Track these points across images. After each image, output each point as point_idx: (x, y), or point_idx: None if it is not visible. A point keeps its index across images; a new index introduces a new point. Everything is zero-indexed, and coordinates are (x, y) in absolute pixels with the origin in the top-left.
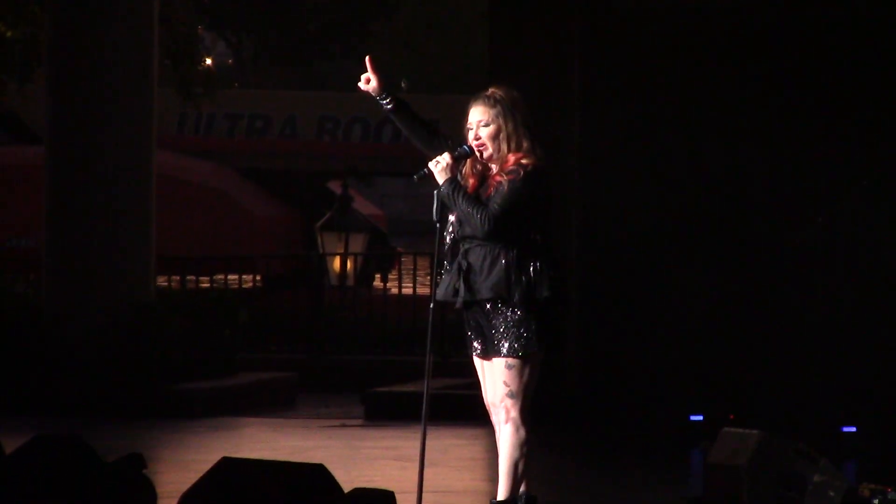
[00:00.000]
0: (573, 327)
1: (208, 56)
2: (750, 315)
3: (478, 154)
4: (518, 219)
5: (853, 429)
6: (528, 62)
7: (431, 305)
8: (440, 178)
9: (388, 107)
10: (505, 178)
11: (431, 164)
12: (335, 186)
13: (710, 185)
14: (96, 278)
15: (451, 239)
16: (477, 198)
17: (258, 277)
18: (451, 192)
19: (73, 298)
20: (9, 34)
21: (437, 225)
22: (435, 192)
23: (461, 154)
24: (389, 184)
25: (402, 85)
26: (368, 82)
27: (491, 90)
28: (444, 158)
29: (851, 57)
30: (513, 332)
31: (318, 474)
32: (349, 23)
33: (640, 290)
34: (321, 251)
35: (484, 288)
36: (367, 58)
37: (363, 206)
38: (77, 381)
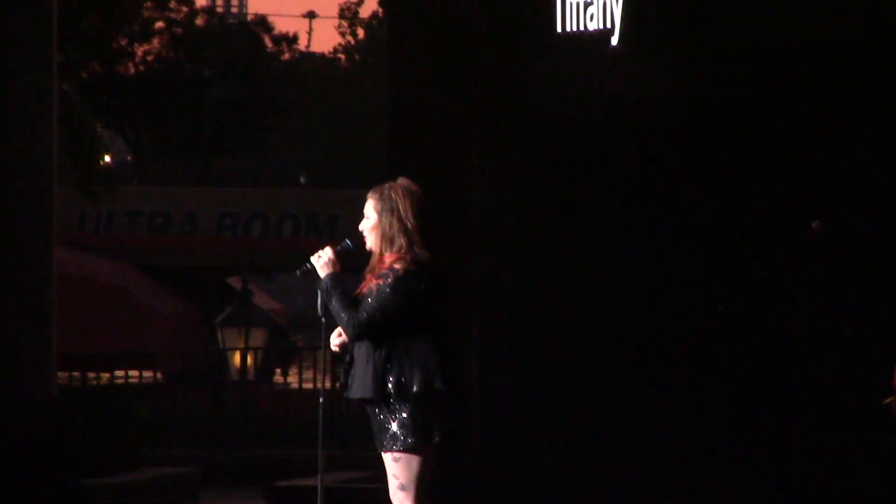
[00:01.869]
0: (476, 414)
1: (107, 153)
2: (651, 406)
3: (364, 245)
4: (386, 321)
5: None
6: (428, 155)
7: (321, 399)
8: (321, 272)
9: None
10: (374, 282)
11: (314, 259)
12: (235, 282)
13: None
14: None
15: None
16: (350, 298)
17: (159, 373)
18: (328, 289)
19: None
20: None
21: (323, 320)
22: (317, 287)
23: (343, 248)
24: (288, 279)
25: (301, 180)
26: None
27: (390, 182)
28: (326, 252)
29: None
30: (392, 427)
31: None
32: (248, 119)
33: (545, 378)
34: (221, 346)
35: (361, 387)
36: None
37: (263, 300)
38: None
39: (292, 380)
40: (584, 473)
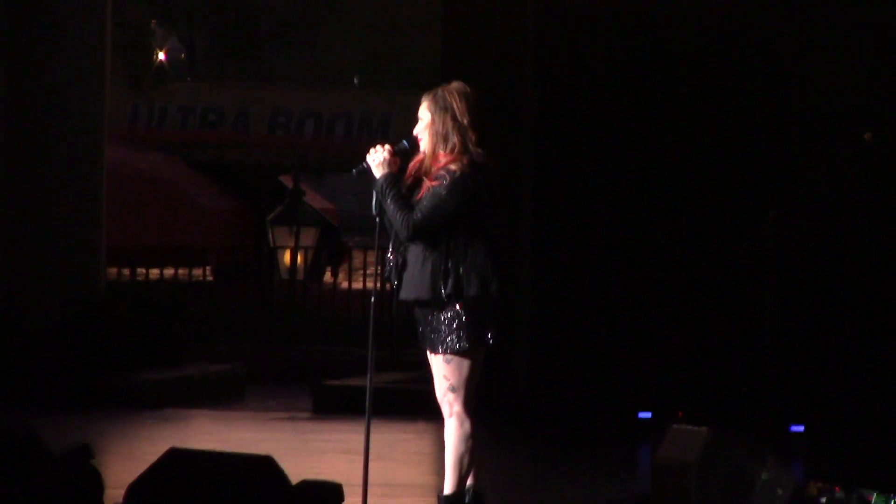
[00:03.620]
0: (524, 322)
1: (161, 50)
2: (699, 314)
3: (419, 148)
4: (442, 224)
5: (801, 428)
6: (480, 59)
7: (373, 299)
8: (377, 172)
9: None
10: (431, 184)
11: (369, 157)
12: (286, 180)
13: (659, 191)
14: (46, 270)
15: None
16: (406, 199)
17: (208, 270)
18: (383, 189)
19: (22, 289)
20: None
21: (377, 219)
22: (372, 186)
23: (401, 149)
24: (340, 180)
25: (355, 81)
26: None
27: (451, 85)
28: (383, 152)
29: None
30: (445, 330)
31: (266, 466)
32: (301, 19)
33: (590, 288)
34: (272, 244)
35: (415, 289)
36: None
37: (314, 200)
38: (25, 372)
39: (342, 280)
40: (631, 382)
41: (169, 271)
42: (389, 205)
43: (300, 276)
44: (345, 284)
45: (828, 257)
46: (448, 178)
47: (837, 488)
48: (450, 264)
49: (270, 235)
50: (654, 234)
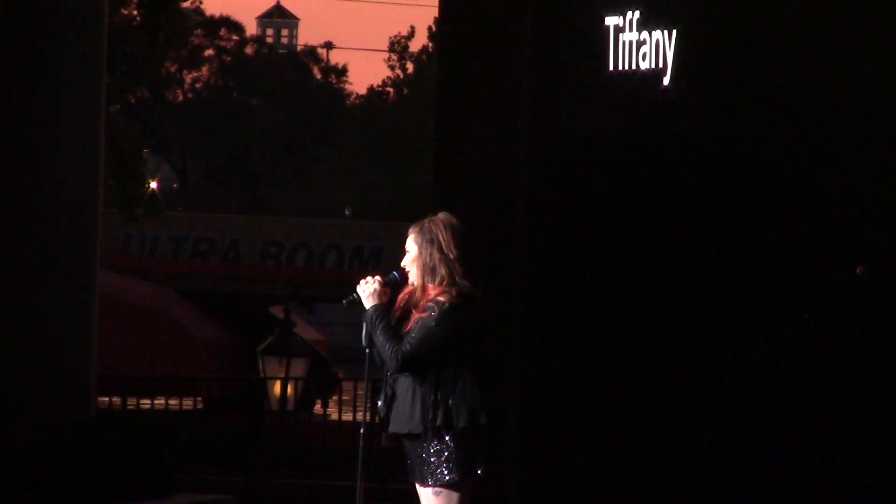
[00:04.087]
0: (512, 455)
1: (153, 179)
2: (690, 446)
3: (407, 279)
4: (430, 355)
5: None
6: (473, 191)
7: (361, 430)
8: (367, 303)
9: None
10: (419, 316)
11: (360, 288)
12: (277, 311)
13: (649, 280)
14: (34, 394)
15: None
16: (395, 331)
17: (199, 399)
18: (372, 320)
19: (9, 414)
20: None
21: (367, 350)
22: (362, 317)
23: (391, 280)
24: (331, 310)
25: (347, 212)
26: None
27: (430, 217)
28: (373, 283)
29: None
30: (434, 462)
31: None
32: (295, 149)
33: (581, 416)
34: (262, 375)
35: (405, 421)
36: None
37: (305, 331)
38: (10, 498)
39: (332, 411)
40: (626, 495)
41: (159, 400)
42: (379, 336)
43: (290, 406)
44: (335, 416)
45: (819, 387)
46: (437, 310)
47: None
48: (439, 396)
49: (261, 365)
50: (645, 367)
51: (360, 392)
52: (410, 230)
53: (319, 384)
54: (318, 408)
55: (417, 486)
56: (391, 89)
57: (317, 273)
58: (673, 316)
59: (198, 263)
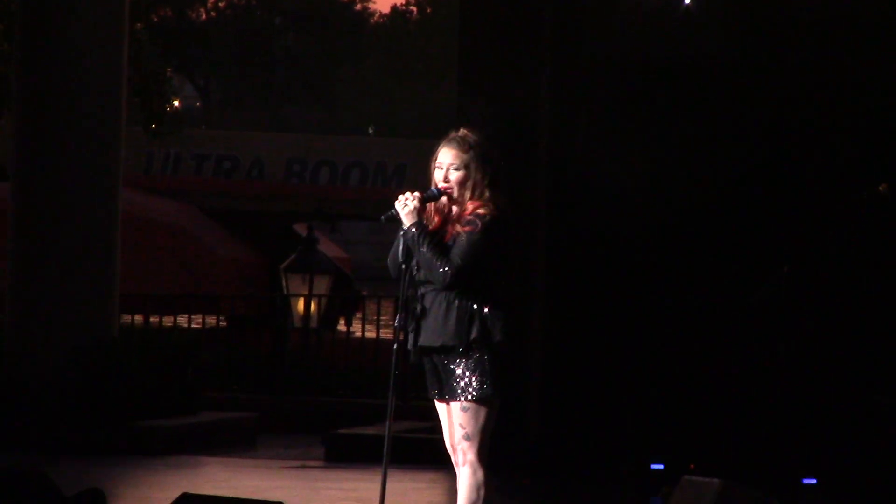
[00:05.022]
0: (536, 372)
1: (176, 99)
2: (713, 365)
3: (444, 197)
4: (475, 268)
5: (813, 480)
6: (496, 106)
7: (395, 346)
8: (406, 220)
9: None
10: (463, 229)
11: (398, 206)
12: (301, 228)
13: (670, 235)
14: (59, 315)
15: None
16: (442, 246)
17: (222, 317)
18: (416, 237)
19: (35, 335)
20: None
21: (403, 266)
22: (400, 233)
23: (429, 196)
24: (354, 228)
25: (370, 131)
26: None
27: (463, 132)
28: (412, 201)
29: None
30: (468, 377)
31: None
32: (318, 68)
33: (603, 338)
34: (285, 292)
35: (438, 335)
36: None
37: (328, 248)
38: (38, 418)
39: (355, 329)
40: (643, 433)
41: (182, 319)
42: (426, 252)
43: (313, 324)
44: (358, 333)
45: (842, 308)
46: (479, 224)
47: None
48: (476, 310)
49: (284, 283)
50: (669, 281)
51: (383, 310)
52: (452, 146)
53: (343, 302)
54: (341, 325)
55: (439, 402)
56: (415, 8)
57: (340, 191)
58: (698, 236)
59: (221, 182)
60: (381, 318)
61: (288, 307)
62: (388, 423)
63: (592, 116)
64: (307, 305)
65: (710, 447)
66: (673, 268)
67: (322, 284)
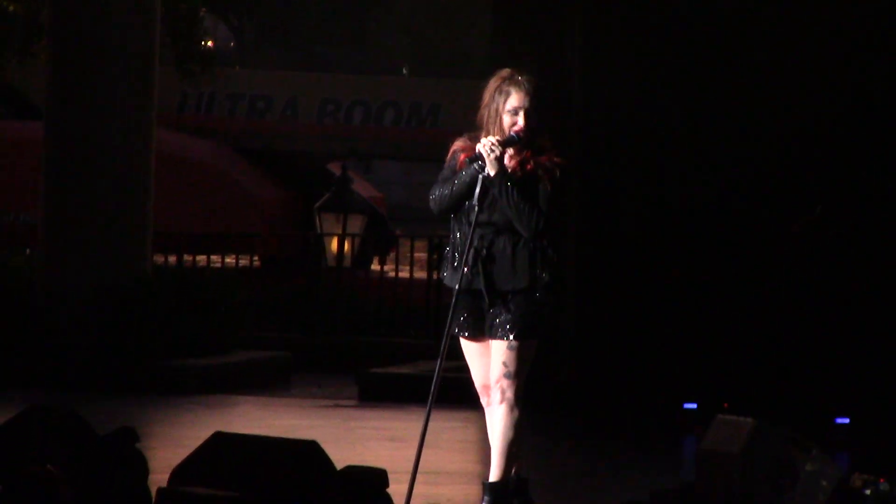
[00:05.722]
0: (570, 312)
1: (209, 38)
2: (745, 304)
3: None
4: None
5: (846, 420)
6: (530, 47)
7: (456, 288)
8: (492, 167)
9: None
10: (545, 176)
11: (483, 151)
12: (335, 168)
13: (706, 176)
14: (92, 253)
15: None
16: (530, 196)
17: (255, 257)
18: (504, 185)
19: (68, 273)
20: (10, 8)
21: (476, 207)
22: (479, 176)
23: (509, 142)
24: (389, 168)
25: (404, 71)
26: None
27: (520, 74)
28: (497, 147)
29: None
30: (521, 316)
31: (311, 451)
32: (350, 8)
33: (637, 278)
34: (319, 231)
35: (505, 279)
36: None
37: (363, 188)
38: (70, 356)
39: (389, 268)
40: (676, 372)
41: (216, 258)
42: (516, 200)
43: (347, 263)
44: (392, 273)
45: (881, 244)
46: (558, 173)
47: (882, 479)
48: (545, 254)
49: (318, 222)
50: (702, 221)
51: (416, 251)
52: (519, 90)
53: (376, 241)
54: (374, 265)
55: (474, 343)
56: None
57: (374, 131)
58: (733, 175)
59: (254, 121)
60: (415, 258)
61: (321, 247)
62: (439, 363)
63: (625, 58)
64: (340, 245)
65: (744, 386)
66: (706, 207)
67: (356, 224)
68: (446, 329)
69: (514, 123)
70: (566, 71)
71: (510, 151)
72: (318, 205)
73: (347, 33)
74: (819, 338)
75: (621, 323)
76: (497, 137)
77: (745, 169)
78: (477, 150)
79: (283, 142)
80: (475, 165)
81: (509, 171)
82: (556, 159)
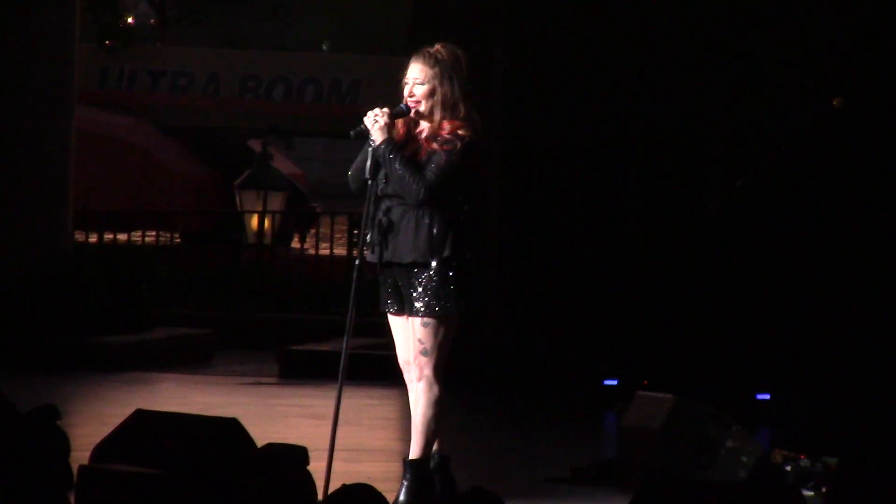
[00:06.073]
0: (492, 290)
1: (130, 15)
2: (665, 280)
3: (413, 113)
4: (449, 187)
5: (767, 396)
6: (451, 24)
7: (357, 262)
8: (377, 136)
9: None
10: (441, 147)
11: (368, 122)
12: (255, 145)
13: (627, 157)
14: (12, 231)
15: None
16: (415, 163)
17: (176, 234)
18: (387, 153)
19: None
20: None
21: (370, 182)
22: (369, 148)
23: (398, 112)
24: (309, 145)
25: (324, 47)
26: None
27: (436, 47)
28: (382, 116)
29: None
30: (431, 292)
31: (232, 428)
32: None
33: (557, 254)
34: (239, 209)
35: (406, 250)
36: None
37: (283, 165)
38: None
39: (309, 245)
40: (597, 348)
41: (137, 235)
42: (398, 168)
43: (268, 240)
44: (312, 250)
45: (800, 219)
46: (458, 144)
47: (802, 456)
48: (448, 227)
49: (238, 199)
50: (623, 198)
51: (337, 227)
52: (419, 61)
53: (297, 218)
54: (295, 242)
55: (394, 318)
56: None
57: (295, 107)
58: (655, 148)
59: (176, 97)
60: (335, 234)
61: (242, 224)
62: (345, 338)
63: (547, 26)
64: (261, 222)
65: (664, 363)
66: (630, 181)
67: (276, 201)
68: (350, 305)
69: (412, 94)
70: (489, 45)
71: (406, 120)
72: (238, 182)
73: (269, 10)
74: (738, 314)
75: (542, 300)
76: (387, 108)
77: (670, 144)
78: (364, 122)
79: (205, 118)
80: (370, 139)
81: (396, 140)
82: (460, 132)
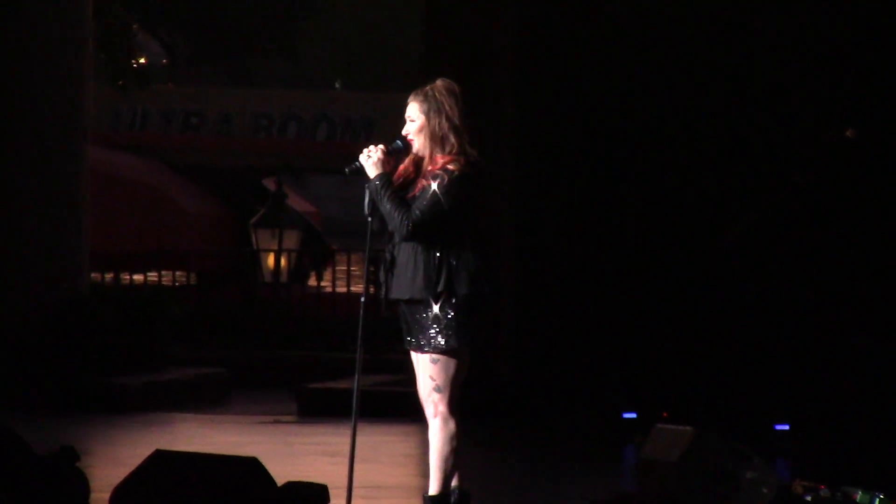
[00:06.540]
0: (508, 323)
1: (143, 55)
2: (684, 314)
3: (411, 148)
4: (440, 222)
5: (786, 426)
6: (462, 58)
7: (362, 299)
8: (371, 172)
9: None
10: (429, 182)
11: (363, 158)
12: (269, 183)
13: (642, 190)
14: (29, 271)
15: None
16: (402, 198)
17: (192, 273)
18: (378, 188)
19: (6, 292)
20: None
21: (369, 219)
22: (366, 185)
23: (394, 149)
24: (323, 183)
25: (336, 85)
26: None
27: (436, 83)
28: (377, 152)
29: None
30: (435, 328)
31: (252, 468)
32: (280, 22)
33: (575, 288)
34: (255, 247)
35: (407, 288)
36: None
37: (298, 203)
38: (8, 373)
39: (326, 283)
40: (616, 381)
41: (152, 275)
42: (385, 204)
43: (283, 279)
44: (329, 288)
45: (814, 252)
46: (446, 178)
47: (822, 486)
48: (442, 263)
49: (253, 238)
50: (640, 233)
51: (353, 264)
52: (412, 98)
53: (313, 256)
54: (311, 280)
55: (413, 353)
56: None
57: (308, 145)
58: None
59: (188, 137)
60: (352, 272)
61: (257, 262)
62: (356, 376)
63: (559, 56)
64: (277, 260)
65: (683, 395)
66: (646, 214)
67: (292, 239)
68: (358, 343)
69: (407, 132)
70: (499, 79)
71: (417, 158)
72: (253, 221)
73: (279, 48)
74: (757, 345)
75: (561, 333)
76: (382, 145)
77: (685, 178)
78: (359, 159)
79: (217, 157)
80: (348, 170)
81: (409, 171)
82: (449, 166)
